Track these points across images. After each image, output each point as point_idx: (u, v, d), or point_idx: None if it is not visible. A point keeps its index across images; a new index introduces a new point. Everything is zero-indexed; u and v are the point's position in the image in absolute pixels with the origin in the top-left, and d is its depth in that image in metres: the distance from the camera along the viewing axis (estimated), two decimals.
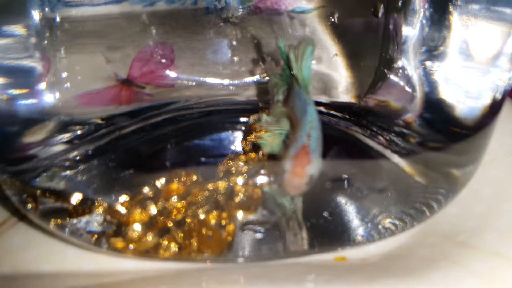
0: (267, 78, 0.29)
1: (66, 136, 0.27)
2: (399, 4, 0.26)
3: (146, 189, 0.26)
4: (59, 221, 0.25)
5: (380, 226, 0.26)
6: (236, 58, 0.28)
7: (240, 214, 0.26)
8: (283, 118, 0.25)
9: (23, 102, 0.26)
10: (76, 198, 0.26)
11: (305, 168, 0.22)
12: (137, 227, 0.25)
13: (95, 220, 0.25)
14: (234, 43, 0.28)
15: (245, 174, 0.26)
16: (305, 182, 0.22)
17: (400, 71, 0.27)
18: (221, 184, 0.26)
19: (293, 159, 0.22)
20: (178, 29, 0.28)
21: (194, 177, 0.26)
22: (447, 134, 0.27)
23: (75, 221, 0.25)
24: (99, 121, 0.28)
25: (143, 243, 0.25)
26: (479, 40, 0.25)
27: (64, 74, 0.26)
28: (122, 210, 0.26)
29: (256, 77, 0.29)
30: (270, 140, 0.25)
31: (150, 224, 0.25)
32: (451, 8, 0.25)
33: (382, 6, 0.27)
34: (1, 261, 0.27)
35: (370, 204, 0.26)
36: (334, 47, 0.28)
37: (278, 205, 0.26)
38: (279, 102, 0.26)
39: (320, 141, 0.22)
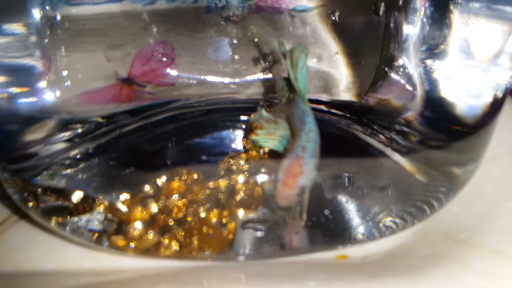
0: (267, 76, 0.29)
1: (66, 134, 0.27)
2: (400, 2, 0.26)
3: (147, 187, 0.26)
4: (60, 219, 0.25)
5: (381, 225, 0.26)
6: (236, 57, 0.28)
7: (241, 212, 0.26)
8: (281, 120, 0.25)
9: (23, 100, 0.26)
10: (77, 196, 0.26)
11: (296, 180, 0.22)
12: (138, 225, 0.25)
13: (96, 218, 0.25)
14: (235, 41, 0.28)
15: (246, 173, 0.26)
16: (295, 193, 0.22)
17: (401, 69, 0.27)
18: (222, 183, 0.26)
19: (285, 170, 0.22)
20: (179, 28, 0.28)
21: (195, 175, 0.26)
22: (448, 132, 0.27)
23: (76, 219, 0.25)
24: (100, 120, 0.28)
25: (144, 241, 0.25)
26: (480, 38, 0.25)
27: (65, 73, 0.26)
28: (123, 208, 0.26)
29: (257, 76, 0.29)
30: (264, 137, 0.25)
31: (151, 222, 0.25)
32: (451, 7, 0.25)
33: (383, 4, 0.27)
34: (2, 260, 0.27)
35: (371, 203, 0.26)
36: (335, 45, 0.28)
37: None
38: (282, 105, 0.26)
39: (317, 153, 0.23)
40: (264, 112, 0.25)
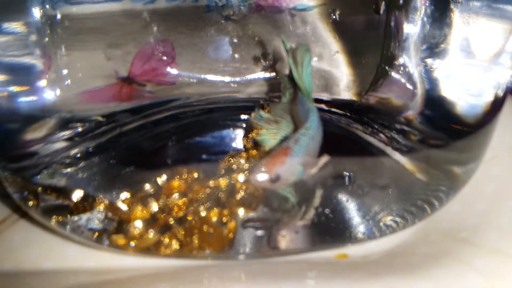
0: (268, 75, 0.29)
1: (67, 133, 0.27)
2: (401, 1, 0.26)
3: (147, 186, 0.26)
4: (60, 218, 0.25)
5: (381, 224, 0.26)
6: (237, 56, 0.28)
7: (241, 211, 0.26)
8: (282, 119, 0.25)
9: (24, 99, 0.26)
10: (77, 195, 0.26)
11: (275, 166, 0.22)
12: (138, 224, 0.25)
13: (96, 217, 0.25)
14: (235, 40, 0.28)
15: (246, 171, 0.26)
16: (268, 178, 0.22)
17: (401, 68, 0.27)
18: (222, 181, 0.26)
19: (271, 154, 0.23)
20: (179, 27, 0.28)
21: (195, 174, 0.26)
22: (448, 131, 0.27)
23: (76, 218, 0.25)
24: (100, 118, 0.28)
25: (144, 240, 0.25)
26: (481, 37, 0.25)
27: (65, 71, 0.26)
28: (123, 207, 0.26)
29: (257, 75, 0.29)
30: (267, 137, 0.25)
31: (151, 221, 0.25)
32: (452, 6, 0.25)
33: (383, 3, 0.27)
34: (2, 259, 0.27)
35: (372, 202, 0.26)
36: (336, 44, 0.28)
37: (282, 200, 0.26)
38: (282, 103, 0.26)
39: (312, 151, 0.23)
40: (262, 113, 0.25)
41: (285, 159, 0.22)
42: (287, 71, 0.27)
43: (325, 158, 0.24)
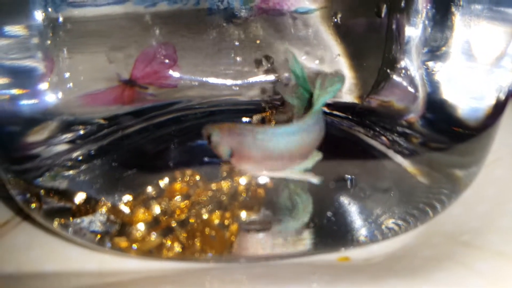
0: (269, 78, 0.29)
1: (69, 136, 0.27)
2: (402, 4, 0.26)
3: (149, 189, 0.26)
4: (62, 220, 0.25)
5: (383, 226, 0.26)
6: (238, 59, 0.28)
7: (243, 214, 0.26)
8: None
9: (26, 102, 0.26)
10: (79, 197, 0.26)
11: (218, 128, 0.23)
12: (140, 226, 0.25)
13: (98, 220, 0.25)
14: (237, 43, 0.28)
15: (248, 174, 0.26)
16: (206, 134, 0.23)
17: (403, 71, 0.27)
18: (224, 184, 0.26)
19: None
20: (181, 30, 0.28)
21: (198, 177, 0.26)
22: (450, 134, 0.27)
23: (78, 220, 0.25)
24: (102, 121, 0.28)
25: (146, 243, 0.25)
26: (482, 40, 0.25)
27: (67, 74, 0.26)
28: (126, 209, 0.25)
29: (259, 78, 0.29)
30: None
31: (153, 224, 0.25)
32: (453, 9, 0.25)
33: (385, 6, 0.27)
34: (5, 261, 0.27)
35: (373, 204, 0.26)
36: (337, 47, 0.28)
37: (283, 203, 0.26)
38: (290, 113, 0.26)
39: (263, 149, 0.23)
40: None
41: (228, 129, 0.23)
42: (287, 74, 0.27)
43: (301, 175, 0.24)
